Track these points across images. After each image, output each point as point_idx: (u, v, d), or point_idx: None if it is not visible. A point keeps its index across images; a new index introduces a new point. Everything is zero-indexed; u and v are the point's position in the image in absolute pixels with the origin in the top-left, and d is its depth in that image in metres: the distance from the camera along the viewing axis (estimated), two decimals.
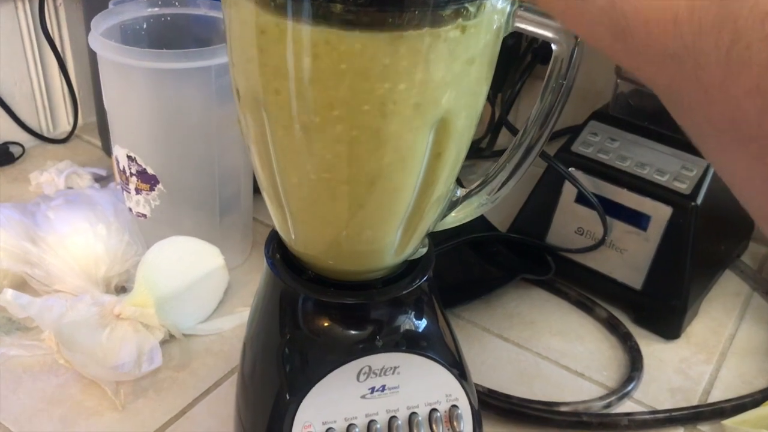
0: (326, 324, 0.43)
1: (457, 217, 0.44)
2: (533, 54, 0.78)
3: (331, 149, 0.36)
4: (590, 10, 0.27)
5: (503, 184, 0.41)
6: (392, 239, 0.41)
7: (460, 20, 0.33)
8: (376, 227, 0.40)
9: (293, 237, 0.42)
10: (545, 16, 0.36)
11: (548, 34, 0.37)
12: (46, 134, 0.86)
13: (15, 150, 0.82)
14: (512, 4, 0.36)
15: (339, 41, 0.32)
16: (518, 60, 0.79)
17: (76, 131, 0.87)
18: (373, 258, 0.43)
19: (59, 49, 0.83)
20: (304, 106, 0.35)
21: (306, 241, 0.42)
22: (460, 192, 0.44)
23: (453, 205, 0.44)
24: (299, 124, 0.36)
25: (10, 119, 0.82)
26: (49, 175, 0.76)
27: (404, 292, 0.43)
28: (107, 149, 0.84)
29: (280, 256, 0.46)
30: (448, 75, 0.35)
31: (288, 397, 0.42)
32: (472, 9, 0.33)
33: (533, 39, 0.78)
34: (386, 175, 0.37)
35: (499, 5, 0.35)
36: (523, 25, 0.37)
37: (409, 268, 0.45)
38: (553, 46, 0.38)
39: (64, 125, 0.89)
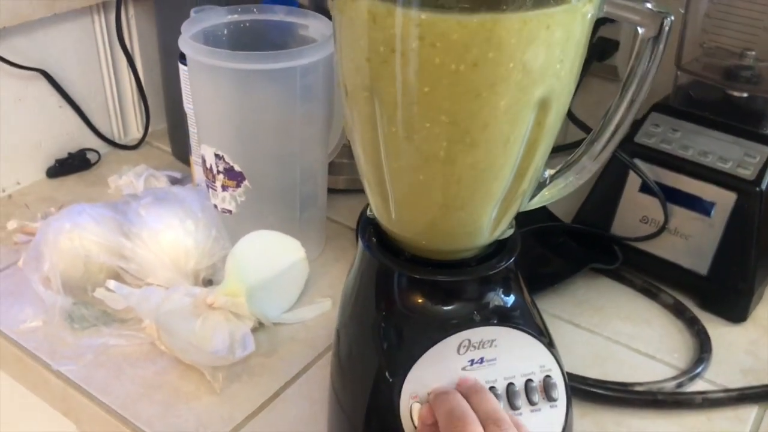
0: (423, 301, 0.46)
1: (545, 196, 0.47)
2: (590, 51, 0.80)
3: (435, 132, 0.39)
4: None
5: (593, 161, 0.44)
6: (487, 219, 0.44)
7: (560, 4, 0.36)
8: (473, 208, 0.43)
9: (393, 219, 0.45)
10: (633, 1, 0.39)
11: (636, 17, 0.40)
12: (118, 141, 0.90)
13: (91, 156, 0.86)
14: None
15: (444, 25, 0.35)
16: None
17: (146, 138, 0.91)
18: (467, 238, 0.45)
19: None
20: (411, 90, 0.38)
21: (406, 222, 0.45)
22: (547, 173, 0.46)
23: (541, 186, 0.47)
24: (406, 109, 0.39)
25: (86, 127, 0.87)
26: (127, 178, 0.79)
27: (496, 270, 0.46)
28: (177, 154, 0.88)
29: (376, 240, 0.48)
30: (549, 58, 0.37)
31: (392, 373, 0.45)
32: None
33: (592, 36, 0.81)
34: (487, 156, 0.40)
35: None
36: (612, 10, 0.40)
37: (497, 248, 0.48)
38: (639, 30, 0.40)
39: (134, 132, 0.93)
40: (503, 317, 0.46)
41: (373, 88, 0.39)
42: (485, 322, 0.45)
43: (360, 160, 0.45)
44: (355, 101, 0.41)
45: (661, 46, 0.40)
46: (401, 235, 0.46)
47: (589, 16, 0.39)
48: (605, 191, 0.71)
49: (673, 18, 0.39)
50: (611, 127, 0.43)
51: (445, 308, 0.46)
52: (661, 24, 0.39)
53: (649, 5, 0.39)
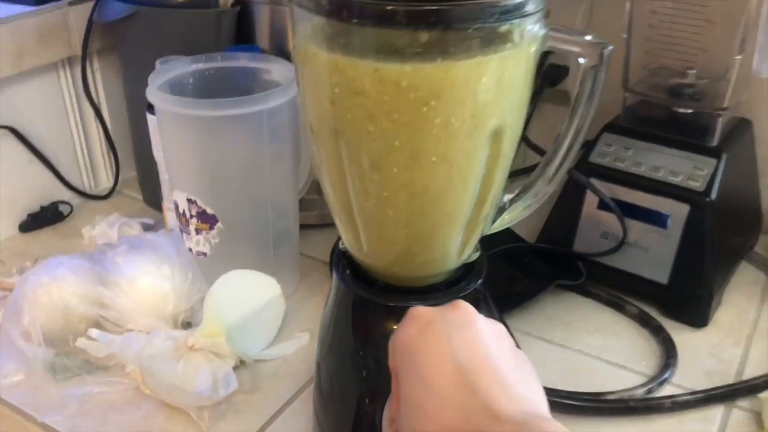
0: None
1: (506, 220, 0.50)
2: (542, 78, 0.84)
3: (400, 167, 0.41)
4: None
5: (548, 184, 0.47)
6: (454, 245, 0.46)
7: (506, 45, 0.39)
8: (440, 235, 0.45)
9: (365, 251, 0.47)
10: (575, 34, 0.42)
11: (577, 49, 0.43)
12: (89, 192, 0.92)
13: (63, 208, 0.87)
14: (545, 27, 0.42)
15: (402, 72, 0.38)
16: None
17: (117, 187, 0.92)
18: (436, 264, 0.48)
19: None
20: (374, 131, 0.40)
21: (377, 253, 0.47)
22: (506, 198, 0.49)
23: (501, 210, 0.49)
24: (370, 147, 0.41)
25: (57, 180, 0.88)
26: (100, 228, 0.81)
27: (465, 293, 0.48)
28: (149, 201, 0.90)
29: (350, 272, 0.50)
30: (499, 92, 0.40)
31: (373, 400, 0.47)
32: (516, 35, 0.39)
33: (541, 64, 0.84)
34: (449, 187, 0.43)
35: (536, 29, 0.41)
36: (555, 44, 0.43)
37: (465, 271, 0.51)
38: (581, 60, 0.43)
39: (105, 182, 0.94)
40: None
41: (338, 128, 0.41)
42: None
43: (329, 197, 0.47)
44: (321, 141, 0.44)
45: (602, 74, 0.43)
46: (373, 265, 0.49)
47: (534, 50, 0.42)
48: (565, 210, 0.74)
49: (612, 47, 0.42)
50: (562, 151, 0.46)
51: None
52: (601, 53, 0.42)
53: (588, 37, 0.43)
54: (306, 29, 0.41)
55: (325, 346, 0.53)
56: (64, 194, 0.89)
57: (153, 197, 0.86)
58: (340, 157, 0.43)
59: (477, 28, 0.37)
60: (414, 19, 0.36)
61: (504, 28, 0.38)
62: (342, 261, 0.51)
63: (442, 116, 0.39)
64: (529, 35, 0.40)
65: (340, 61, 0.39)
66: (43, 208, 0.87)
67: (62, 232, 0.85)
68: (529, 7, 0.39)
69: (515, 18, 0.39)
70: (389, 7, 0.36)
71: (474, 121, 0.40)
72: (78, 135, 0.89)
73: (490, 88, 0.39)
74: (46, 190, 0.87)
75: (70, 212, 0.88)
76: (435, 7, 0.36)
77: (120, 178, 0.93)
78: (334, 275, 0.51)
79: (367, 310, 0.49)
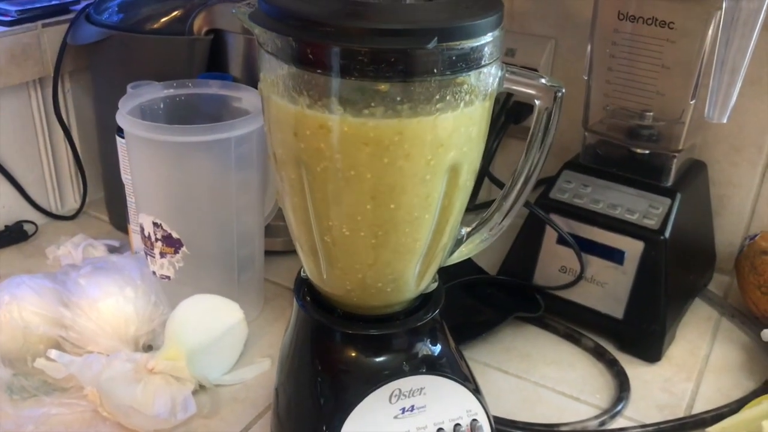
0: (356, 354, 0.49)
1: (463, 252, 0.51)
2: (506, 115, 0.86)
3: (357, 200, 0.43)
4: None
5: (503, 218, 0.48)
6: (412, 275, 0.48)
7: (464, 87, 0.41)
8: (397, 265, 0.47)
9: (325, 278, 0.48)
10: (530, 77, 0.44)
11: (532, 91, 0.45)
12: (55, 212, 0.92)
13: (28, 228, 0.87)
14: (502, 69, 0.44)
15: (363, 126, 0.40)
16: (493, 121, 0.87)
17: (84, 208, 0.92)
18: (394, 293, 0.49)
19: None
20: (335, 168, 0.42)
21: (336, 281, 0.48)
22: (464, 231, 0.51)
23: (459, 242, 0.51)
24: (331, 178, 0.43)
25: (23, 200, 0.88)
26: (65, 248, 0.81)
27: (423, 322, 0.50)
28: (115, 223, 0.90)
29: (310, 299, 0.51)
30: (456, 133, 0.42)
31: (328, 425, 0.48)
32: (473, 80, 0.41)
33: (505, 102, 0.87)
34: (405, 219, 0.44)
35: (493, 71, 0.43)
36: (511, 86, 0.45)
37: (423, 301, 0.52)
38: (536, 102, 0.45)
39: (72, 203, 0.94)
40: (431, 366, 0.49)
41: (300, 159, 0.43)
42: (414, 371, 0.48)
43: (291, 225, 0.48)
44: (284, 170, 0.45)
45: (556, 115, 0.45)
46: (333, 293, 0.50)
47: (491, 90, 0.43)
48: (526, 244, 0.76)
49: (564, 91, 0.44)
50: (518, 186, 0.48)
51: (377, 360, 0.49)
52: (555, 96, 0.44)
53: (543, 80, 0.45)
54: (270, 75, 0.42)
55: (284, 372, 0.54)
56: (29, 214, 0.89)
57: (119, 219, 0.87)
58: (303, 187, 0.44)
59: (437, 78, 0.39)
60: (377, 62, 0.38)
61: (462, 78, 0.40)
62: (303, 288, 0.52)
63: (401, 161, 0.41)
64: (486, 77, 0.42)
65: (300, 114, 0.40)
66: (7, 227, 0.86)
67: (26, 252, 0.85)
68: (487, 53, 0.41)
69: (474, 69, 0.40)
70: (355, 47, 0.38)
71: (433, 160, 0.41)
72: (46, 155, 0.89)
73: (447, 127, 0.41)
74: (11, 209, 0.87)
75: (35, 232, 0.88)
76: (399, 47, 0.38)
77: (87, 200, 0.93)
78: (295, 302, 0.52)
79: (326, 337, 0.50)
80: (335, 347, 0.50)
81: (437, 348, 0.50)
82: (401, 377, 0.47)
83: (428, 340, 0.50)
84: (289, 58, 0.40)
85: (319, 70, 0.39)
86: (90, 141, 0.92)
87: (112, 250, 0.82)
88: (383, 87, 0.38)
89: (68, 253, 0.80)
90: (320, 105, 0.40)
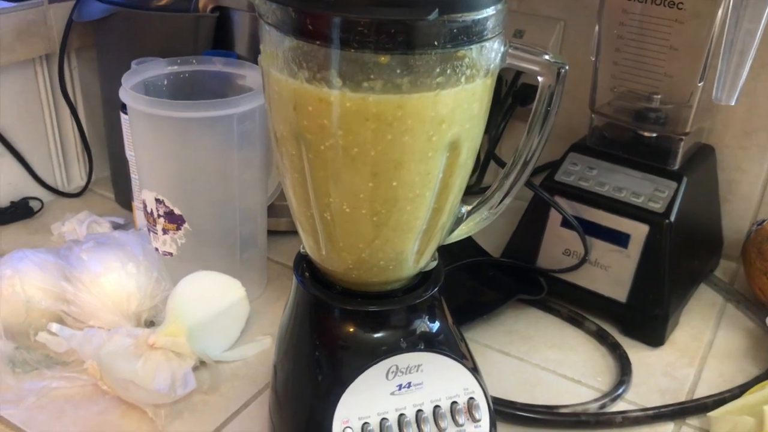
0: (354, 330, 0.49)
1: (463, 230, 0.51)
2: (513, 97, 0.86)
3: (358, 177, 0.43)
4: None
5: (504, 197, 0.48)
6: (410, 253, 0.47)
7: (465, 61, 0.40)
8: (396, 243, 0.46)
9: (324, 255, 0.48)
10: (533, 53, 0.44)
11: (535, 68, 0.44)
12: (61, 189, 0.92)
13: (34, 204, 0.88)
14: (505, 45, 0.43)
15: (359, 100, 0.39)
16: (500, 103, 0.87)
17: (90, 185, 0.93)
18: (393, 270, 0.49)
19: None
20: (337, 145, 0.41)
21: (335, 258, 0.48)
22: (464, 209, 0.50)
23: (459, 221, 0.50)
24: (333, 159, 0.42)
25: (29, 176, 0.88)
26: (70, 225, 0.81)
27: (422, 299, 0.49)
28: (120, 200, 0.90)
29: (309, 275, 0.51)
30: (457, 110, 0.41)
31: (325, 401, 0.48)
32: (475, 54, 0.40)
33: (513, 84, 0.86)
34: (406, 196, 0.44)
35: (495, 46, 0.42)
36: (514, 62, 0.44)
37: (423, 279, 0.52)
38: (540, 78, 0.45)
39: (78, 180, 0.94)
40: (429, 343, 0.49)
41: (300, 134, 0.42)
42: (412, 348, 0.48)
43: (291, 201, 0.48)
44: (284, 145, 0.45)
45: (559, 93, 0.45)
46: (332, 269, 0.50)
47: (493, 66, 0.43)
48: (530, 226, 0.75)
49: (567, 68, 0.44)
50: (518, 165, 0.47)
51: (375, 336, 0.49)
52: (558, 73, 0.44)
53: (546, 56, 0.44)
54: (270, 47, 0.42)
55: (282, 348, 0.54)
56: (35, 190, 0.89)
57: (124, 197, 0.87)
58: (302, 163, 0.44)
59: (438, 51, 0.38)
60: (377, 33, 0.37)
61: (463, 51, 0.40)
62: (302, 264, 0.52)
63: (403, 137, 0.41)
64: (489, 51, 0.42)
65: (300, 88, 0.40)
66: (13, 203, 0.87)
67: (32, 228, 0.85)
68: (489, 27, 0.40)
69: (475, 43, 0.40)
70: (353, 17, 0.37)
71: (435, 136, 0.41)
72: (52, 132, 0.89)
73: (448, 103, 0.41)
74: (17, 186, 0.88)
75: (41, 208, 0.88)
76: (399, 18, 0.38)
77: (93, 177, 0.93)
78: (294, 278, 0.52)
79: (324, 313, 0.50)
80: (334, 323, 0.50)
81: (435, 325, 0.50)
82: (399, 354, 0.47)
83: (426, 317, 0.50)
84: (288, 29, 0.39)
85: (318, 42, 0.38)
86: (96, 118, 0.92)
87: (116, 227, 0.82)
88: (383, 59, 0.38)
89: (73, 230, 0.80)
90: (320, 78, 0.40)
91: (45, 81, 0.86)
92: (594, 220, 0.72)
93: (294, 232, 0.82)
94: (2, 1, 0.81)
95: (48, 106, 0.88)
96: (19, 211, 0.86)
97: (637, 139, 0.74)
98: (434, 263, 0.51)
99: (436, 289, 0.50)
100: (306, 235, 0.49)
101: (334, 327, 0.50)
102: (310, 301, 0.51)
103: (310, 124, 0.41)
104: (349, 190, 0.43)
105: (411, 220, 0.45)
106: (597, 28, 0.72)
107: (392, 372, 0.47)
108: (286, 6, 0.39)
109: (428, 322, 0.50)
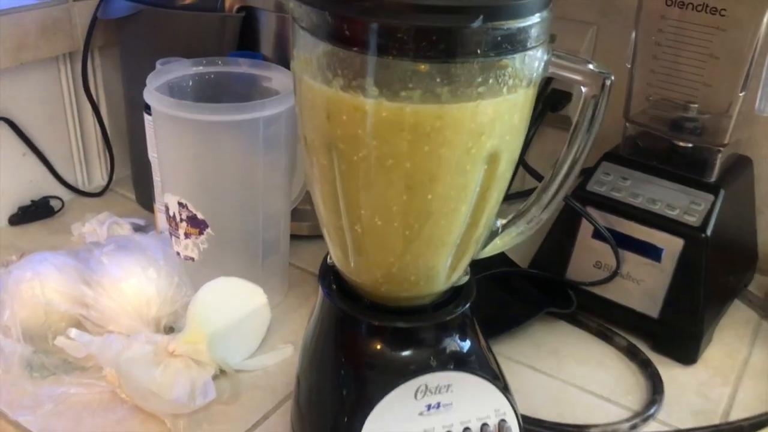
0: (383, 347, 0.47)
1: (497, 245, 0.49)
2: (544, 103, 0.83)
3: (392, 190, 0.41)
4: None
5: (542, 211, 0.46)
6: (443, 267, 0.46)
7: (507, 70, 0.38)
8: (428, 257, 0.45)
9: (353, 267, 0.46)
10: (578, 62, 0.42)
11: (579, 77, 0.42)
12: (82, 188, 0.91)
13: (55, 204, 0.87)
14: (548, 53, 0.41)
15: (396, 110, 0.38)
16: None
17: (111, 185, 0.92)
18: (424, 284, 0.47)
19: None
20: (371, 156, 0.40)
21: (364, 271, 0.46)
22: (499, 223, 0.48)
23: (493, 235, 0.49)
24: (364, 164, 0.41)
25: (50, 175, 0.87)
26: (90, 225, 0.80)
27: (452, 316, 0.47)
28: (141, 201, 0.89)
29: (336, 287, 0.50)
30: (497, 121, 0.39)
31: (351, 419, 0.46)
32: (518, 63, 0.39)
33: (543, 89, 0.84)
34: (441, 210, 0.42)
35: (539, 54, 0.40)
36: (557, 71, 0.42)
37: (453, 294, 0.50)
38: (583, 89, 0.43)
39: (99, 180, 0.93)
40: (459, 362, 0.47)
41: (333, 143, 0.41)
42: (442, 367, 0.46)
43: (320, 210, 0.46)
44: (315, 154, 0.43)
45: (603, 104, 0.43)
46: (360, 282, 0.48)
47: (536, 75, 0.41)
48: (560, 237, 0.73)
49: (613, 78, 0.42)
50: (559, 178, 0.45)
51: (403, 354, 0.47)
52: (603, 83, 0.42)
53: (591, 66, 0.42)
54: (304, 53, 0.40)
55: (306, 360, 0.52)
56: (56, 189, 0.88)
57: (146, 198, 0.86)
58: (333, 172, 0.42)
59: (480, 60, 0.37)
60: (417, 40, 0.36)
61: (506, 60, 0.38)
62: (329, 275, 0.50)
63: (440, 149, 0.39)
64: (532, 60, 0.40)
65: (334, 96, 0.38)
66: (33, 202, 0.86)
67: (52, 228, 0.84)
68: (533, 35, 0.38)
69: (519, 51, 0.38)
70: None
71: (474, 148, 0.39)
72: (74, 131, 0.88)
73: (489, 114, 0.39)
74: (38, 184, 0.87)
75: (61, 208, 0.87)
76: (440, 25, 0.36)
77: (114, 177, 0.92)
78: (320, 289, 0.50)
79: (351, 327, 0.48)
80: (360, 338, 0.48)
81: (466, 344, 0.48)
82: (428, 373, 0.46)
83: (457, 335, 0.48)
84: (324, 35, 0.38)
85: (355, 48, 0.37)
86: (118, 118, 0.91)
87: (137, 228, 0.81)
88: (423, 67, 0.36)
89: (93, 231, 0.79)
90: (355, 86, 0.38)
91: (68, 79, 0.85)
92: (626, 232, 0.69)
93: (316, 237, 0.80)
94: None
95: (70, 104, 0.87)
96: (40, 209, 0.86)
97: (673, 149, 0.72)
98: (466, 278, 0.49)
99: (467, 306, 0.48)
100: (334, 247, 0.47)
101: (360, 342, 0.48)
102: (336, 314, 0.49)
103: (344, 134, 0.40)
104: (381, 202, 0.41)
105: (444, 234, 0.43)
106: (633, 34, 0.69)
107: (421, 391, 0.46)
108: (321, 10, 0.37)
109: (459, 340, 0.48)
